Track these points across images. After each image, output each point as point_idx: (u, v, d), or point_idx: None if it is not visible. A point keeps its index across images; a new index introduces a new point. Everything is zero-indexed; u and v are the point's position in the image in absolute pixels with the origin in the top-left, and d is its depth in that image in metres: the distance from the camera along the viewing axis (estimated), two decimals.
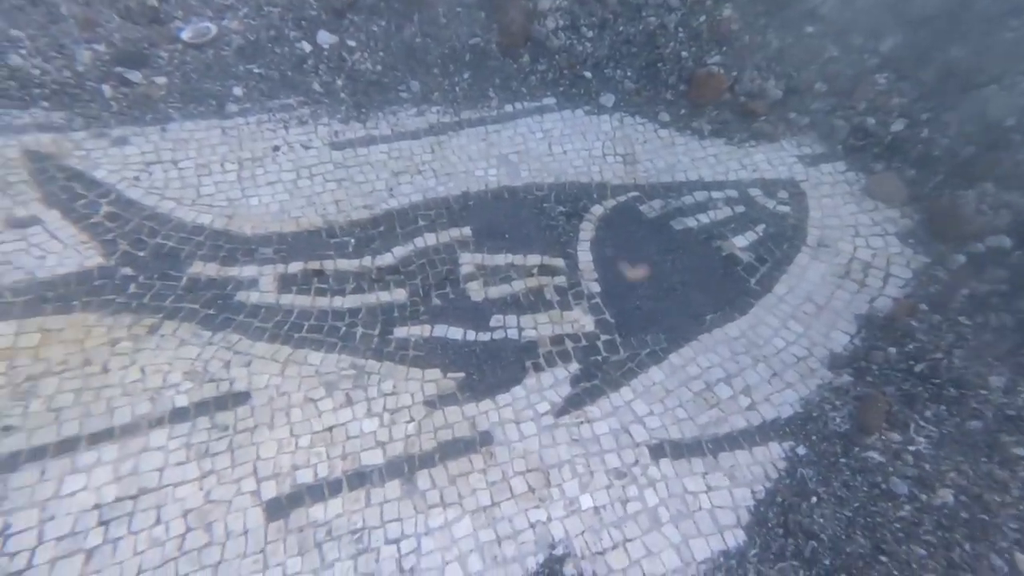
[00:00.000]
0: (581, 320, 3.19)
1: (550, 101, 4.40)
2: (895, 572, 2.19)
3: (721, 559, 2.35)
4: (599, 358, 3.04)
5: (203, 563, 2.26)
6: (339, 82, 4.19)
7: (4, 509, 2.29)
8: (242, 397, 2.72)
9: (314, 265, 3.29)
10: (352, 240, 3.44)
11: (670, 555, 2.38)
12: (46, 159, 3.37)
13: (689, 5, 4.57)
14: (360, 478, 2.55)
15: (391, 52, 4.36)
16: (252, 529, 2.35)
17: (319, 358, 2.92)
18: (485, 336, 3.10)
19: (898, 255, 3.52)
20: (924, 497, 2.39)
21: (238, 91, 3.93)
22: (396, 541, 2.38)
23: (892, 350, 2.98)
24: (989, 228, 3.37)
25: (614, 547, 2.39)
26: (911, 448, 2.54)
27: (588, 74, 4.51)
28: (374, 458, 2.61)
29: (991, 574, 2.14)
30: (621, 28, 4.61)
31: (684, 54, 4.46)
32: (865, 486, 2.47)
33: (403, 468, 2.59)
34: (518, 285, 3.32)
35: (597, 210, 3.74)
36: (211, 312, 2.98)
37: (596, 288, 3.34)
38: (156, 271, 3.08)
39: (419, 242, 3.47)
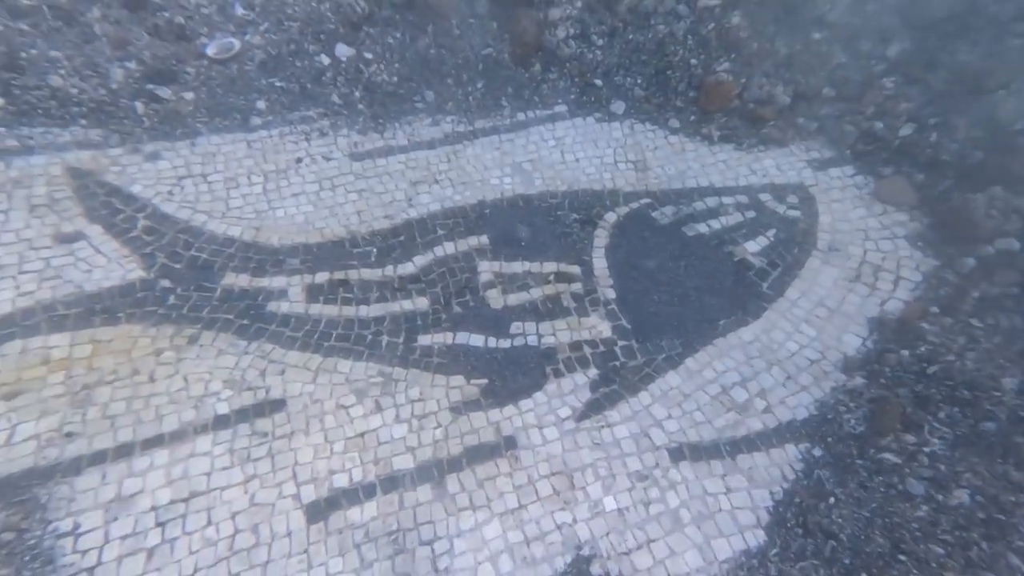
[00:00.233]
0: (598, 326, 3.24)
1: (561, 109, 4.44)
2: (914, 571, 2.25)
3: (743, 559, 2.41)
4: (617, 363, 3.10)
5: (252, 563, 2.35)
6: (357, 94, 4.25)
7: (73, 510, 2.40)
8: (278, 404, 2.79)
9: (339, 275, 3.35)
10: (374, 250, 3.49)
11: (693, 555, 2.44)
12: (86, 175, 3.45)
13: (698, 13, 4.60)
14: (392, 482, 2.62)
15: (406, 63, 4.41)
16: (295, 531, 2.44)
17: (348, 366, 2.99)
18: (506, 343, 3.15)
19: (908, 258, 3.55)
20: (940, 497, 2.44)
21: (261, 105, 4.00)
22: (430, 542, 2.45)
23: (904, 353, 3.02)
24: (998, 232, 3.40)
25: (638, 548, 2.45)
26: (926, 449, 2.59)
27: (599, 82, 4.55)
28: (405, 463, 2.68)
29: (1009, 572, 2.19)
30: (631, 36, 4.64)
31: (693, 61, 4.50)
32: (882, 487, 2.52)
33: (433, 472, 2.66)
34: (536, 292, 3.38)
35: (611, 217, 3.78)
36: (245, 322, 3.05)
37: (612, 294, 3.39)
38: (192, 283, 3.15)
39: (438, 251, 3.52)
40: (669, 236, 3.70)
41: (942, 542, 2.32)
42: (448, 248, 3.53)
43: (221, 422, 2.70)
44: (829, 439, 2.75)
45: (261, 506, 2.49)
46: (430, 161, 4.00)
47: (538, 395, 2.95)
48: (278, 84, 4.12)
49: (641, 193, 3.94)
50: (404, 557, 2.41)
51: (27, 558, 2.25)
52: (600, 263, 3.54)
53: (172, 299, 3.08)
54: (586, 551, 2.44)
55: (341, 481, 2.60)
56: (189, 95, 3.85)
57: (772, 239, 3.67)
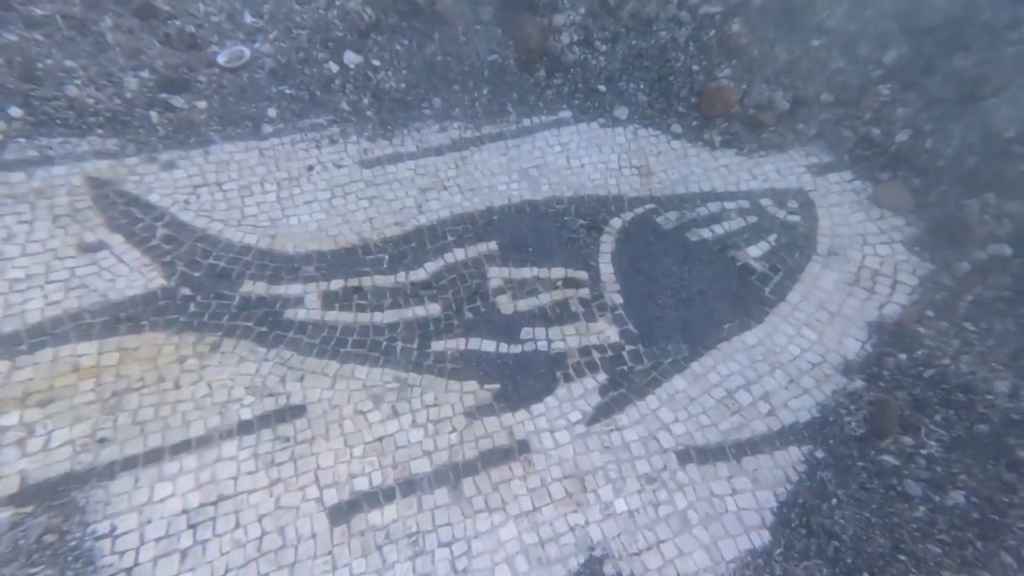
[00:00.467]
0: (606, 331, 3.30)
1: (566, 114, 4.47)
2: (913, 570, 2.33)
3: (749, 558, 2.49)
4: (625, 368, 3.16)
5: (280, 563, 2.42)
6: (365, 100, 4.26)
7: (109, 513, 2.46)
8: (299, 410, 2.84)
9: (353, 282, 3.39)
10: (386, 256, 3.53)
11: (701, 555, 2.51)
12: (106, 185, 3.48)
13: (699, 20, 4.62)
14: (411, 485, 2.67)
15: (414, 70, 4.42)
16: (319, 533, 2.50)
17: (365, 372, 3.03)
18: (516, 348, 3.20)
19: (905, 262, 3.61)
20: (937, 498, 2.52)
21: (272, 112, 4.01)
22: (448, 544, 2.52)
23: (902, 356, 3.09)
24: (991, 237, 3.46)
25: (649, 548, 2.52)
26: (923, 451, 2.67)
27: (602, 87, 4.57)
28: (422, 467, 2.74)
29: (1003, 571, 2.27)
30: (633, 42, 4.66)
31: (695, 67, 4.53)
32: (881, 488, 2.60)
33: (449, 476, 2.72)
34: (544, 298, 3.42)
35: (616, 223, 3.82)
36: (264, 329, 3.10)
37: (619, 299, 3.44)
38: (212, 291, 3.19)
39: (449, 257, 3.56)
40: (673, 241, 3.75)
41: (939, 542, 2.40)
42: (458, 254, 3.57)
43: (245, 427, 2.75)
44: (831, 441, 2.82)
45: (286, 509, 2.55)
46: (438, 167, 4.03)
47: (549, 399, 3.00)
48: (288, 92, 4.13)
49: (645, 198, 3.98)
50: (424, 558, 2.47)
51: (69, 559, 2.32)
52: (607, 268, 3.58)
53: (193, 307, 3.11)
54: (598, 552, 2.51)
55: (361, 485, 2.65)
56: (202, 104, 3.86)
57: (773, 244, 3.73)
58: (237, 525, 2.49)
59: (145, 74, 3.79)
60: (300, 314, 3.21)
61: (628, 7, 4.70)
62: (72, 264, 3.14)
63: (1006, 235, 3.44)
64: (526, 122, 4.37)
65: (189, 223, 3.42)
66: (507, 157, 4.15)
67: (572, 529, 2.57)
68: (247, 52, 4.08)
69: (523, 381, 3.08)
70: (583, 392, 3.04)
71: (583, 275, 3.54)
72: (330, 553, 2.45)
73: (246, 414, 2.79)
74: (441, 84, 4.44)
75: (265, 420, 2.78)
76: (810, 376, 3.12)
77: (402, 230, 3.65)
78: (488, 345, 3.20)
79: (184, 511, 2.50)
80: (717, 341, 3.28)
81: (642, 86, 4.56)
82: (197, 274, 3.24)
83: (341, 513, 2.56)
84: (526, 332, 3.27)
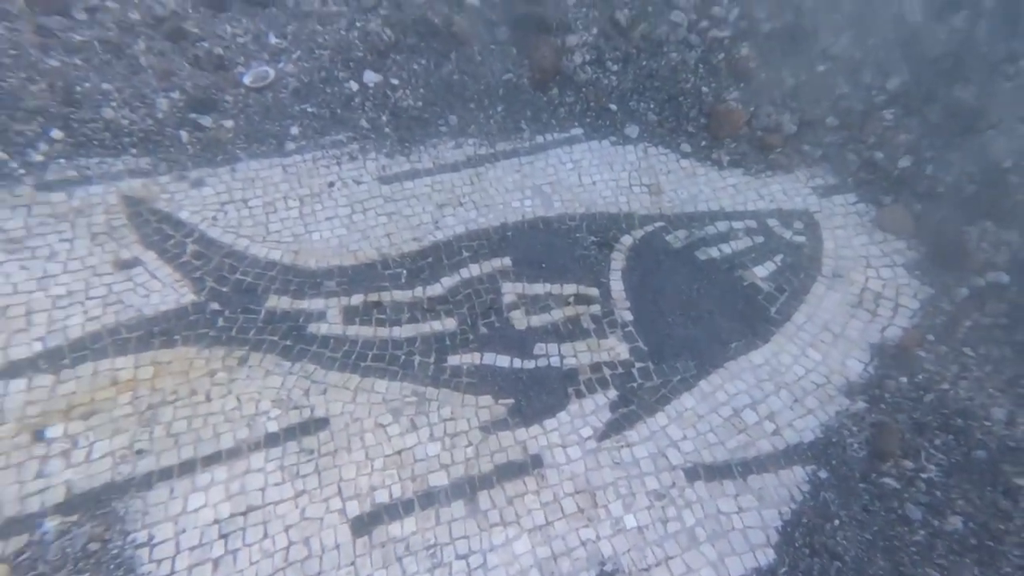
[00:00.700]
0: (616, 348, 3.34)
1: (578, 132, 4.50)
2: None
3: None
4: (635, 385, 3.20)
5: (306, 573, 2.48)
6: (384, 118, 4.31)
7: (147, 522, 2.52)
8: (322, 423, 2.90)
9: (373, 297, 3.44)
10: (404, 271, 3.57)
11: (708, 572, 2.56)
12: (139, 203, 3.54)
13: (708, 43, 4.67)
14: (429, 498, 2.73)
15: (431, 89, 4.46)
16: (342, 544, 2.55)
17: (384, 386, 3.08)
18: (530, 364, 3.25)
19: (906, 286, 3.65)
20: (936, 523, 2.56)
21: (295, 130, 4.07)
22: (465, 556, 2.57)
23: (903, 379, 3.13)
24: (989, 264, 3.50)
25: (657, 564, 2.57)
26: (923, 475, 2.71)
27: (613, 106, 4.61)
28: (440, 480, 2.79)
29: None
30: (644, 63, 4.70)
31: (704, 89, 4.57)
32: (883, 511, 2.64)
33: (466, 489, 2.77)
34: (557, 314, 3.46)
35: (627, 240, 3.86)
36: (288, 343, 3.15)
37: (629, 316, 3.48)
38: (239, 305, 3.25)
39: (464, 272, 3.59)
40: (682, 259, 3.78)
41: (938, 566, 2.44)
42: (473, 270, 3.61)
43: (272, 440, 2.81)
44: (834, 462, 2.86)
45: (311, 520, 2.60)
46: (454, 184, 4.07)
47: (562, 415, 3.05)
48: (310, 110, 4.18)
49: (655, 216, 4.01)
50: (442, 570, 2.52)
51: (112, 567, 2.39)
52: (617, 285, 3.62)
53: (221, 321, 3.17)
54: (609, 567, 2.55)
55: (382, 497, 2.71)
56: (229, 123, 3.92)
57: (779, 264, 3.76)
58: (265, 535, 2.54)
59: (176, 95, 3.85)
60: (323, 328, 3.26)
61: (639, 29, 4.74)
62: (110, 280, 3.20)
63: (1003, 263, 3.47)
64: (539, 139, 4.40)
65: (217, 239, 3.47)
66: (521, 174, 4.19)
67: (584, 544, 2.62)
68: (272, 72, 4.14)
69: (536, 396, 3.12)
70: (594, 408, 3.08)
71: (594, 292, 3.58)
72: (353, 564, 2.50)
73: (273, 427, 2.84)
74: (457, 102, 4.48)
75: (291, 433, 2.84)
76: (814, 396, 3.16)
77: (419, 245, 3.69)
78: (502, 360, 3.25)
79: (216, 521, 2.56)
80: (724, 360, 3.32)
81: (652, 106, 4.60)
82: (225, 289, 3.30)
83: (363, 525, 2.62)
84: (539, 348, 3.31)
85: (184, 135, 3.78)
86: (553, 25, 4.72)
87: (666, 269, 3.73)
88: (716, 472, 2.87)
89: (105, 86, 3.72)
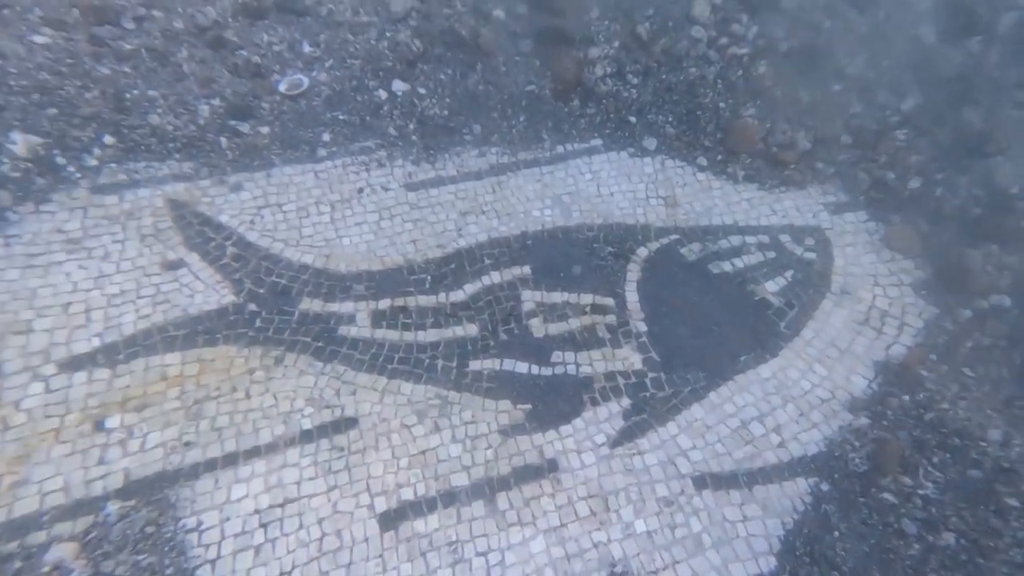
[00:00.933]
0: (630, 358, 3.43)
1: (597, 143, 4.55)
2: None
3: None
4: (647, 394, 3.29)
5: (338, 563, 2.61)
6: (411, 126, 4.39)
7: (196, 509, 2.68)
8: (351, 422, 3.02)
9: (399, 302, 3.54)
10: (429, 277, 3.65)
11: None
12: (183, 206, 3.66)
13: (727, 59, 4.70)
14: (451, 497, 2.85)
15: (456, 98, 4.54)
16: (371, 537, 2.68)
17: (410, 388, 3.20)
18: (548, 371, 3.34)
19: (912, 305, 3.70)
20: (931, 538, 2.65)
21: (326, 137, 4.17)
22: (484, 554, 2.69)
23: (905, 397, 3.21)
24: (992, 287, 3.55)
25: (665, 568, 2.68)
26: (920, 492, 2.80)
27: (632, 119, 4.65)
28: (461, 480, 2.91)
29: None
30: (664, 77, 4.74)
31: (721, 104, 4.61)
32: (880, 524, 2.73)
33: (485, 490, 2.89)
34: (574, 323, 3.55)
35: (642, 252, 3.92)
36: (320, 344, 3.27)
37: (643, 327, 3.56)
38: (274, 307, 3.37)
39: (486, 280, 3.68)
40: (696, 272, 3.85)
41: None
42: (495, 277, 3.69)
43: (306, 437, 2.94)
44: (836, 475, 2.95)
45: (342, 514, 2.73)
46: (477, 192, 4.14)
47: (577, 422, 3.15)
48: (341, 117, 4.28)
49: (670, 229, 4.07)
50: (463, 566, 2.65)
51: (166, 548, 2.55)
52: (632, 296, 3.70)
53: (259, 322, 3.30)
54: (619, 569, 2.67)
55: (407, 494, 2.83)
56: (265, 129, 4.02)
57: (790, 280, 3.82)
58: (301, 526, 2.68)
59: (216, 102, 3.96)
60: (352, 331, 3.37)
61: (660, 43, 4.78)
62: (158, 281, 3.34)
63: (1006, 286, 3.52)
64: (560, 149, 4.46)
65: (254, 242, 3.59)
66: (541, 183, 4.25)
67: (596, 546, 2.74)
68: (305, 80, 4.23)
69: (553, 403, 3.23)
70: (608, 416, 3.18)
71: (610, 302, 3.66)
72: (380, 556, 2.64)
73: (307, 424, 2.97)
74: (481, 112, 4.55)
75: (323, 430, 2.97)
76: (819, 411, 3.25)
77: (443, 252, 3.78)
78: (521, 367, 3.34)
79: (256, 511, 2.70)
80: (734, 372, 3.40)
81: (671, 119, 4.64)
82: (262, 291, 3.42)
83: (390, 520, 2.75)
84: (556, 356, 3.40)
85: (224, 141, 3.90)
86: (576, 38, 4.78)
87: (680, 281, 3.81)
88: (723, 481, 2.97)
89: (151, 93, 3.84)
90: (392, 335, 3.40)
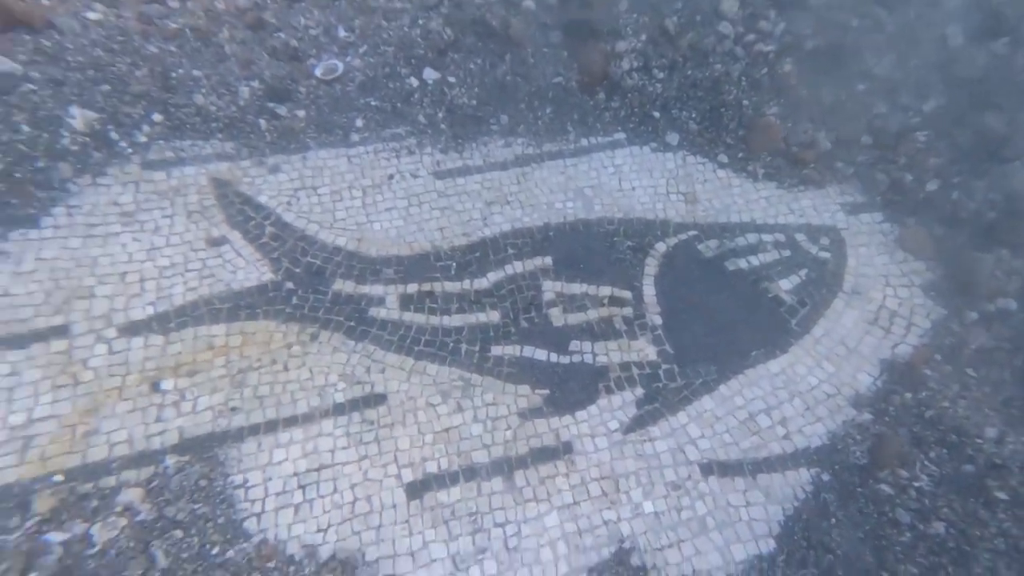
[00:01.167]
0: (645, 350, 3.60)
1: (621, 137, 4.62)
2: None
3: (755, 562, 2.84)
4: (660, 385, 3.46)
5: (369, 525, 2.85)
6: (440, 114, 4.52)
7: (242, 468, 2.94)
8: (381, 398, 3.23)
9: (426, 287, 3.72)
10: (454, 264, 3.81)
11: (715, 556, 2.88)
12: (226, 185, 3.86)
13: (753, 56, 4.75)
14: (471, 472, 3.06)
15: (485, 88, 4.65)
16: (398, 504, 2.92)
17: (435, 369, 3.40)
18: (565, 359, 3.52)
19: (921, 306, 3.82)
20: (922, 527, 2.84)
21: (359, 122, 4.32)
22: (502, 525, 2.91)
23: (908, 395, 3.36)
24: (1000, 291, 3.66)
25: (670, 545, 2.89)
26: (916, 484, 2.97)
27: (656, 113, 4.72)
28: (481, 457, 3.12)
29: None
30: (689, 72, 4.81)
31: (745, 102, 4.67)
32: (875, 513, 2.92)
33: (503, 467, 3.10)
34: (592, 314, 3.70)
35: (660, 247, 4.05)
36: (352, 324, 3.47)
37: (659, 321, 3.71)
38: (310, 286, 3.57)
39: (509, 269, 3.83)
40: (712, 269, 3.98)
41: (918, 564, 2.73)
42: (517, 267, 3.85)
43: (339, 409, 3.17)
44: (836, 467, 3.13)
45: (372, 481, 2.97)
46: (502, 182, 4.27)
47: (592, 408, 3.34)
48: (374, 103, 4.42)
49: (689, 225, 4.18)
50: (482, 535, 2.88)
51: (218, 501, 2.82)
52: (649, 290, 3.84)
53: (295, 300, 3.51)
54: (627, 545, 2.88)
55: (432, 467, 3.05)
56: (301, 112, 4.19)
57: (803, 278, 3.94)
58: (335, 490, 2.92)
59: (255, 84, 4.13)
60: (382, 313, 3.57)
61: (687, 38, 4.84)
62: (203, 255, 3.56)
63: (1014, 291, 3.63)
64: (584, 142, 4.55)
65: (291, 223, 3.79)
66: (565, 176, 4.37)
67: (606, 523, 2.95)
68: (340, 65, 4.37)
69: (570, 389, 3.41)
70: (622, 404, 3.37)
71: (627, 295, 3.81)
72: (407, 522, 2.87)
73: (339, 398, 3.20)
74: (509, 102, 4.66)
75: (354, 404, 3.19)
76: (824, 406, 3.40)
77: (468, 240, 3.93)
78: (540, 354, 3.52)
79: (295, 474, 2.94)
80: (744, 367, 3.56)
81: (694, 115, 4.71)
82: (298, 270, 3.63)
83: (415, 489, 2.97)
84: (574, 345, 3.58)
85: (263, 123, 4.07)
86: (604, 31, 4.85)
87: (696, 277, 3.94)
88: (729, 469, 3.16)
89: (196, 73, 4.02)
90: (419, 318, 3.59)
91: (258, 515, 2.84)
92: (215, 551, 2.67)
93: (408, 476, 3.02)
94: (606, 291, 3.80)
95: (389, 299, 3.63)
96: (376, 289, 3.66)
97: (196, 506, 2.79)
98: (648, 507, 3.01)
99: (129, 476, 2.84)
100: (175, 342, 3.26)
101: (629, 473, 3.12)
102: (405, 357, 3.42)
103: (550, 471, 3.10)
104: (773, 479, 3.12)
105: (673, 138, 4.64)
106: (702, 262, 4.01)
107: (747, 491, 3.08)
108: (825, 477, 3.10)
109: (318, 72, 4.33)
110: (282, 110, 4.15)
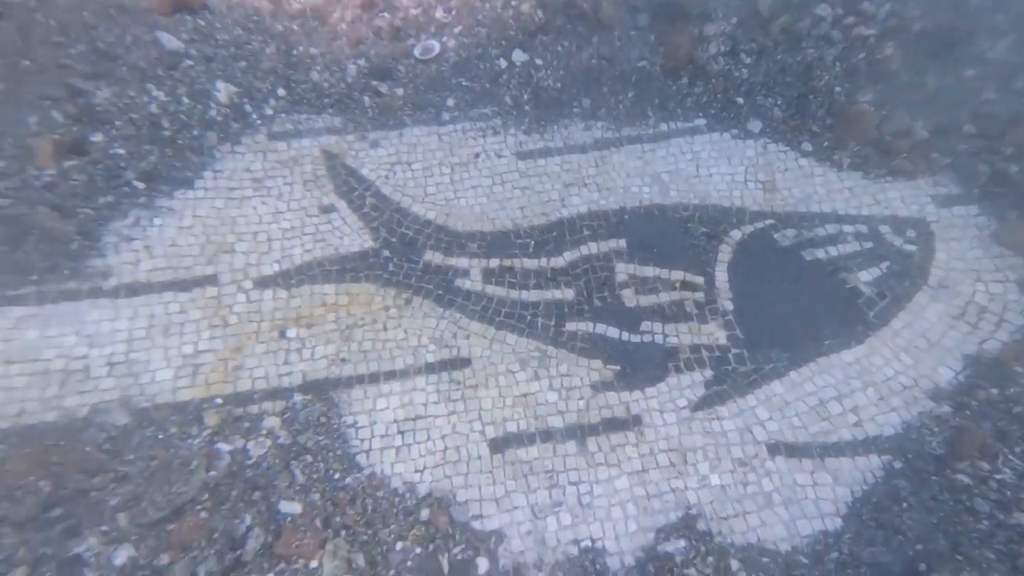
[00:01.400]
0: (716, 334, 3.70)
1: (701, 123, 4.63)
2: (967, 569, 2.73)
3: (820, 537, 2.96)
4: (729, 368, 3.57)
5: (458, 472, 3.19)
6: (525, 96, 4.69)
7: (352, 411, 3.35)
8: (466, 362, 3.55)
9: (507, 262, 3.97)
10: (532, 242, 4.03)
11: (780, 528, 3.02)
12: (335, 157, 4.28)
13: (851, 40, 4.64)
14: (547, 435, 3.33)
15: (570, 71, 4.78)
16: (483, 457, 3.24)
17: (514, 340, 3.66)
18: (636, 338, 3.68)
19: (1015, 302, 3.71)
20: (1001, 516, 2.87)
21: (450, 102, 4.59)
22: (576, 484, 3.16)
23: (994, 391, 3.32)
24: None
25: (736, 516, 3.06)
26: (997, 476, 2.99)
27: (740, 100, 4.69)
28: (556, 422, 3.37)
29: None
30: (779, 57, 4.75)
31: (837, 89, 4.56)
32: (951, 501, 2.96)
33: (577, 433, 3.34)
34: (664, 296, 3.84)
35: (735, 234, 4.09)
36: (440, 292, 3.79)
37: (730, 306, 3.80)
38: (404, 255, 3.92)
39: (584, 249, 4.00)
40: (788, 258, 4.00)
41: (996, 550, 2.78)
42: (592, 248, 4.01)
43: (430, 368, 3.51)
44: (910, 455, 3.16)
45: (460, 434, 3.30)
46: (581, 165, 4.43)
47: (661, 385, 3.51)
48: (465, 84, 4.67)
49: (766, 213, 4.20)
50: (557, 490, 3.14)
51: (335, 435, 3.25)
52: (722, 276, 3.92)
53: (391, 266, 3.87)
54: (694, 511, 3.07)
55: (512, 428, 3.34)
56: (400, 91, 4.53)
57: (885, 271, 3.90)
58: (428, 438, 3.28)
59: (361, 62, 4.51)
60: (466, 284, 3.86)
61: (780, 21, 4.77)
62: (316, 222, 4.00)
63: None
64: (663, 127, 4.61)
65: (388, 196, 4.15)
66: (642, 160, 4.47)
67: (673, 491, 3.14)
68: (437, 46, 4.66)
69: (640, 367, 3.58)
70: (691, 383, 3.51)
71: (700, 280, 3.90)
72: (491, 472, 3.19)
73: (430, 358, 3.54)
74: (592, 86, 4.77)
75: (444, 365, 3.52)
76: (900, 397, 3.42)
77: (547, 220, 4.13)
78: (612, 332, 3.70)
79: (395, 421, 3.32)
80: (816, 355, 3.60)
81: (780, 102, 4.65)
82: (394, 240, 3.98)
83: (498, 445, 3.27)
84: (645, 325, 3.73)
85: (367, 100, 4.45)
86: (693, 13, 4.85)
87: (771, 266, 3.96)
88: (796, 450, 3.26)
89: (313, 51, 4.46)
90: (500, 291, 3.85)
91: (367, 452, 3.24)
92: (336, 476, 3.10)
93: (491, 433, 3.32)
94: (678, 275, 3.92)
95: (473, 272, 3.91)
96: (462, 262, 3.95)
97: (320, 438, 3.23)
98: (715, 480, 3.17)
99: (267, 407, 3.30)
100: (296, 297, 3.71)
101: (696, 448, 3.28)
102: (487, 326, 3.70)
103: (620, 440, 3.32)
104: (842, 463, 3.20)
105: (755, 125, 4.61)
106: (778, 251, 4.04)
107: (815, 472, 3.18)
108: (897, 464, 3.15)
109: (416, 52, 4.63)
110: (383, 88, 4.51)
